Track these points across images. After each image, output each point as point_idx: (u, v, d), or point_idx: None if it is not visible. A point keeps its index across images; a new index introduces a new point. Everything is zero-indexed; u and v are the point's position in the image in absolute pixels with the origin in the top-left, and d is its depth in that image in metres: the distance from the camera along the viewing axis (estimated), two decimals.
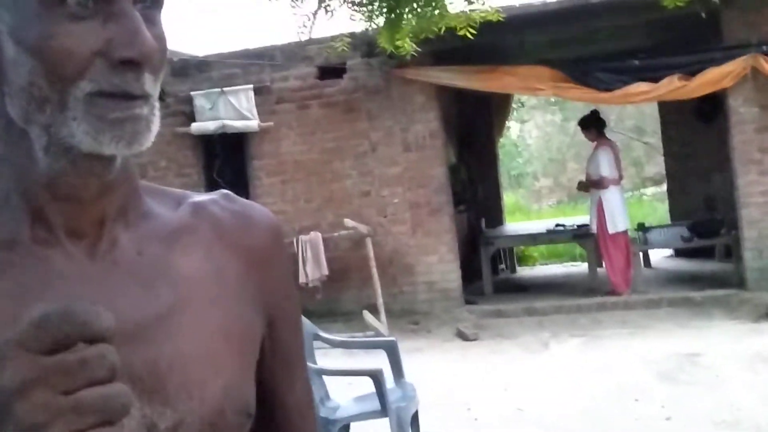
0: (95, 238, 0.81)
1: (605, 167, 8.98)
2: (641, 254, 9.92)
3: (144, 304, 0.80)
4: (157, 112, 0.77)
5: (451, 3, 5.30)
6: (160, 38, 0.77)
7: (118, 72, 0.73)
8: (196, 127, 9.31)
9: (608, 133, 9.74)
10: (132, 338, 0.75)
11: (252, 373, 0.88)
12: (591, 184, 9.20)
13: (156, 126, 0.77)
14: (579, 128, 10.10)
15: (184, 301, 0.83)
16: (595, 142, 9.29)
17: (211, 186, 9.30)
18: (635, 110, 21.79)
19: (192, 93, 9.35)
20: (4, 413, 0.58)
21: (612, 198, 8.95)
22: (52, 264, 0.79)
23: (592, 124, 9.33)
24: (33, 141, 0.77)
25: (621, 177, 9.35)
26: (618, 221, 8.89)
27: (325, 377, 4.41)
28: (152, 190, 0.91)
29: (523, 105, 22.34)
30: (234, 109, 9.27)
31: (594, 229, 9.17)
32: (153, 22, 0.76)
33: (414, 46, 5.80)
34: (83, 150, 0.74)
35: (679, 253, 11.36)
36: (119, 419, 0.59)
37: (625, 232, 9.06)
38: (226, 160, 9.54)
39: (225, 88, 9.28)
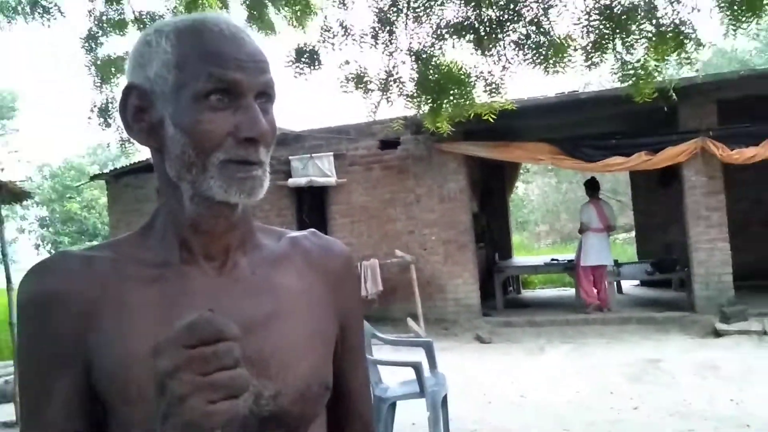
0: (222, 261, 0.84)
1: (584, 218, 8.95)
2: (615, 283, 9.70)
3: (256, 308, 0.82)
4: (268, 174, 0.80)
5: (478, 96, 5.31)
6: (272, 123, 0.80)
7: (242, 146, 0.77)
8: (291, 181, 9.46)
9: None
10: (247, 332, 0.76)
11: (330, 360, 0.89)
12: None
13: (267, 183, 0.80)
14: (570, 188, 10.06)
15: (284, 308, 0.85)
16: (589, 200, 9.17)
17: (300, 224, 9.44)
18: (612, 177, 21.51)
19: (290, 157, 9.51)
20: (161, 387, 0.61)
21: (587, 241, 8.85)
22: (193, 278, 0.81)
23: (587, 187, 9.31)
24: (183, 193, 0.80)
25: (605, 227, 8.91)
26: (589, 257, 8.75)
27: (378, 366, 4.38)
28: (261, 228, 0.93)
29: (528, 170, 22.21)
30: (319, 169, 9.40)
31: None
32: (267, 112, 0.80)
33: (449, 126, 5.82)
34: (217, 199, 0.78)
35: (644, 283, 11.07)
36: (241, 394, 0.62)
37: (597, 266, 8.80)
38: (312, 205, 9.68)
39: (313, 154, 9.44)
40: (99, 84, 6.29)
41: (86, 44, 6.19)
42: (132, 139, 0.83)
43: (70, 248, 0.84)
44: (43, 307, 0.77)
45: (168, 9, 5.89)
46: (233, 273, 0.84)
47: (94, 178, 12.15)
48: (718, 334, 7.30)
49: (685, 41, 4.59)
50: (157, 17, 5.90)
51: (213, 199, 0.78)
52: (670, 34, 4.60)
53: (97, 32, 6.14)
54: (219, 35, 0.78)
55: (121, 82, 6.31)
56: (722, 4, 4.17)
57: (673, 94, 5.48)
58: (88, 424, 0.77)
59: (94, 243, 0.94)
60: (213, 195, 0.78)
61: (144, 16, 5.93)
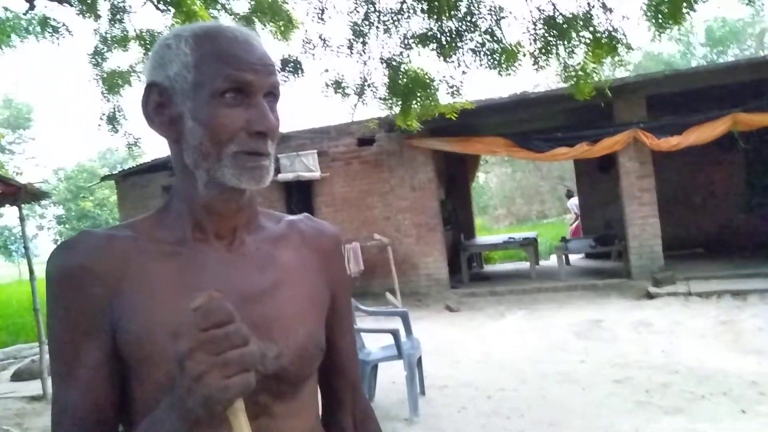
0: (231, 239, 0.83)
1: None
2: (564, 256, 9.85)
3: (260, 280, 0.82)
4: (273, 164, 0.80)
5: (442, 98, 5.33)
6: (277, 120, 0.79)
7: (253, 139, 0.76)
8: (280, 177, 9.35)
9: (542, 181, 9.91)
10: (253, 300, 0.77)
11: (323, 325, 0.89)
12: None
13: (272, 172, 0.80)
14: (523, 176, 10.43)
15: (283, 280, 0.84)
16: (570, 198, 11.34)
17: (290, 214, 9.35)
18: (559, 165, 21.73)
19: (278, 155, 9.39)
20: (180, 367, 0.61)
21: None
22: (205, 253, 0.81)
23: (566, 195, 11.89)
24: (198, 179, 0.79)
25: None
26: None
27: (362, 334, 4.41)
28: (263, 212, 0.93)
29: (487, 161, 22.31)
30: (305, 165, 9.34)
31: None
32: (273, 109, 0.79)
33: (418, 124, 5.83)
34: (228, 185, 0.77)
35: (588, 255, 11.25)
36: (252, 369, 0.61)
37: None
38: (299, 197, 9.60)
39: (299, 152, 9.36)
40: (106, 95, 6.17)
41: (93, 59, 6.06)
42: (153, 131, 0.81)
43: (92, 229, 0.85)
44: (72, 279, 0.75)
45: (166, 27, 5.78)
46: (240, 249, 0.83)
47: (104, 178, 11.93)
48: (650, 296, 7.47)
49: (618, 46, 4.65)
50: (156, 34, 5.79)
51: (225, 185, 0.77)
52: (605, 40, 4.66)
53: (103, 48, 6.01)
54: (234, 40, 0.77)
55: (126, 93, 6.20)
56: (648, 14, 4.23)
57: (609, 92, 5.56)
58: (116, 383, 0.76)
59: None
60: (226, 181, 0.77)
61: (144, 34, 5.81)
